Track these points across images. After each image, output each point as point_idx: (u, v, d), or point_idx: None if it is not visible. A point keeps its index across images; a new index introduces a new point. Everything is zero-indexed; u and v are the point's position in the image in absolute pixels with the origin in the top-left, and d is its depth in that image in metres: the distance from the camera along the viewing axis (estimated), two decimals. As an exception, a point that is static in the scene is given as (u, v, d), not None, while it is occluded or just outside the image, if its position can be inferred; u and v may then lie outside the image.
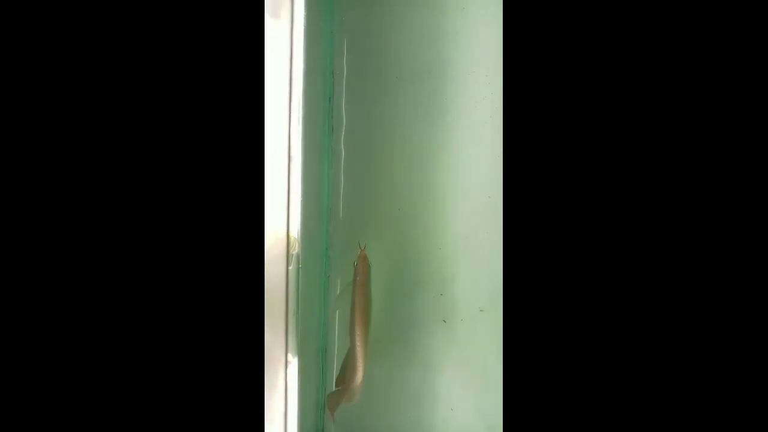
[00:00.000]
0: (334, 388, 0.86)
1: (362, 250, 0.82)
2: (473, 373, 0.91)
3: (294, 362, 0.72)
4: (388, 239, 0.86)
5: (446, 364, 0.91)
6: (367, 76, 0.93)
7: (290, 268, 0.71)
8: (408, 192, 0.92)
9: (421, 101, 0.92)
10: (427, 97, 0.92)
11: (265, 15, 0.69)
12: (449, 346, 0.91)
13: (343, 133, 0.92)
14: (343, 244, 0.91)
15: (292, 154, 0.71)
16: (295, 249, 0.72)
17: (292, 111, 0.72)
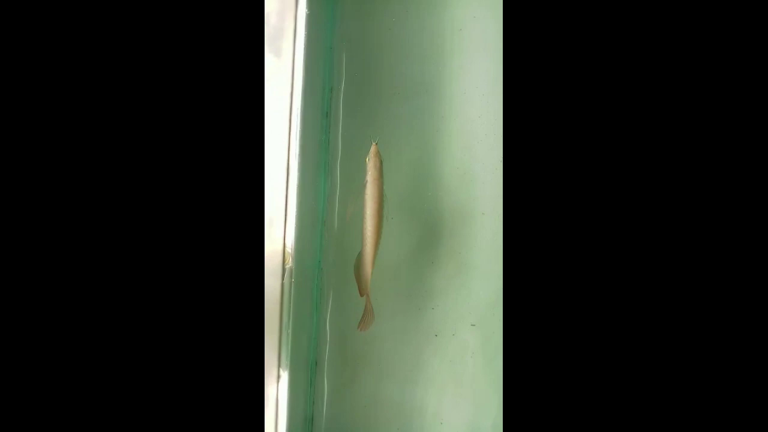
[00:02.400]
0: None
1: (374, 144, 0.80)
2: (463, 387, 0.92)
3: (285, 376, 0.72)
4: (381, 252, 0.87)
5: (437, 378, 0.92)
6: (364, 92, 0.94)
7: (283, 282, 0.72)
8: (403, 206, 0.93)
9: (417, 118, 0.94)
10: (422, 115, 0.94)
11: (265, 30, 0.70)
12: (440, 360, 0.92)
13: (340, 147, 0.93)
14: (336, 256, 0.92)
15: (291, 168, 0.72)
16: (289, 263, 0.72)
17: (291, 126, 0.73)
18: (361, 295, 0.83)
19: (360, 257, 0.82)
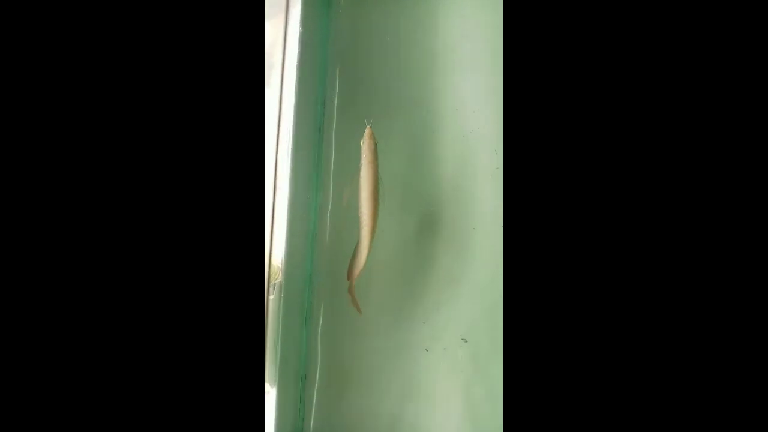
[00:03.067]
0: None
1: (369, 127, 0.81)
2: (454, 402, 0.92)
3: (272, 392, 0.72)
4: (373, 264, 0.88)
5: (427, 393, 0.92)
6: (358, 107, 0.95)
7: (272, 297, 0.72)
8: (394, 219, 0.93)
9: (410, 133, 0.95)
10: (415, 129, 0.95)
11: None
12: (431, 375, 0.92)
13: (333, 161, 0.94)
14: (328, 269, 0.92)
15: (279, 183, 0.72)
16: (278, 278, 0.72)
17: (280, 140, 0.73)
18: (348, 278, 0.82)
19: (356, 244, 0.82)
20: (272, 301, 0.72)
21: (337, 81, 0.94)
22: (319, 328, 0.91)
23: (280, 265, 0.72)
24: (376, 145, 0.81)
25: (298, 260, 0.85)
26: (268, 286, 0.71)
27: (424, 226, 0.94)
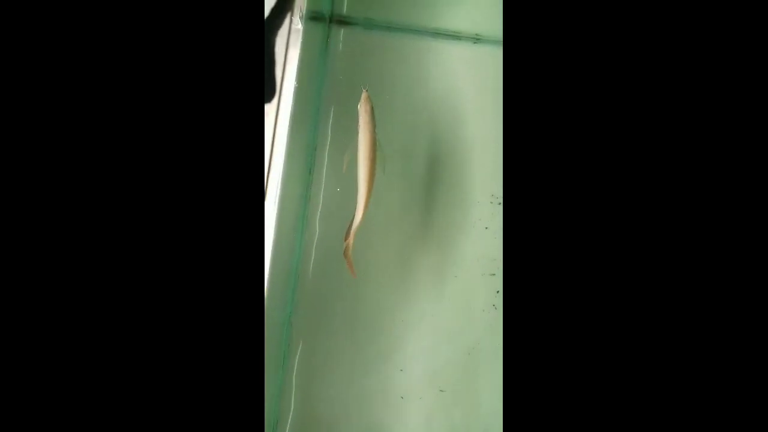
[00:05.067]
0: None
1: (365, 91, 0.81)
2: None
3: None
4: (352, 308, 0.87)
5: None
6: (350, 153, 0.97)
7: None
8: (380, 264, 0.94)
9: (402, 180, 0.96)
10: (406, 178, 0.96)
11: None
12: (404, 425, 0.91)
13: (321, 202, 0.95)
14: (308, 310, 0.92)
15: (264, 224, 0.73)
16: (258, 321, 0.72)
17: (269, 183, 0.74)
18: (345, 239, 0.82)
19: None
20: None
21: (330, 125, 0.96)
22: (295, 370, 0.90)
23: (260, 308, 0.72)
24: (372, 108, 0.81)
25: (279, 302, 0.85)
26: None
27: (406, 275, 0.95)
